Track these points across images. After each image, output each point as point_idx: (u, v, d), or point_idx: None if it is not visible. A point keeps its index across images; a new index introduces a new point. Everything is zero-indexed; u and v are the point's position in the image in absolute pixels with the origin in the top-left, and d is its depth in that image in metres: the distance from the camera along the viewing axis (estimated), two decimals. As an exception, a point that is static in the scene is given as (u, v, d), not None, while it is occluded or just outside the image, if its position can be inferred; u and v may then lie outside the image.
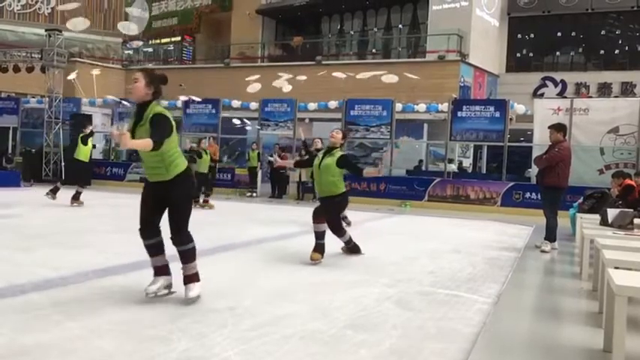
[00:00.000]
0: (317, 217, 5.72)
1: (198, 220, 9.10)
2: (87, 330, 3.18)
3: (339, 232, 5.94)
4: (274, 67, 21.11)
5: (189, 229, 3.96)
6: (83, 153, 10.88)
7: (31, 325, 3.23)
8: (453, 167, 17.11)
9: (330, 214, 5.81)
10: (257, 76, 11.98)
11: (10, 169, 16.57)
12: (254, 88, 12.85)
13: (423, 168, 17.84)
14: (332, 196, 5.77)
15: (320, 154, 6.02)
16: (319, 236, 5.69)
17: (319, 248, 5.65)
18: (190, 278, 3.92)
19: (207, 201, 11.65)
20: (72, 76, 13.28)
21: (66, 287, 4.15)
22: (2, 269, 4.70)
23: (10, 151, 19.26)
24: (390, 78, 12.92)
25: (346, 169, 5.81)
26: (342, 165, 5.75)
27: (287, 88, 13.61)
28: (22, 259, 5.17)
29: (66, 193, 10.66)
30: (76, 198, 10.53)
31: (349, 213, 8.92)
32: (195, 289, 3.89)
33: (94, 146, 11.36)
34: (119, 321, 3.37)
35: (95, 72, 13.31)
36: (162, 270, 3.94)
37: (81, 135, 11.06)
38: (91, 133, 11.17)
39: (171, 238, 3.86)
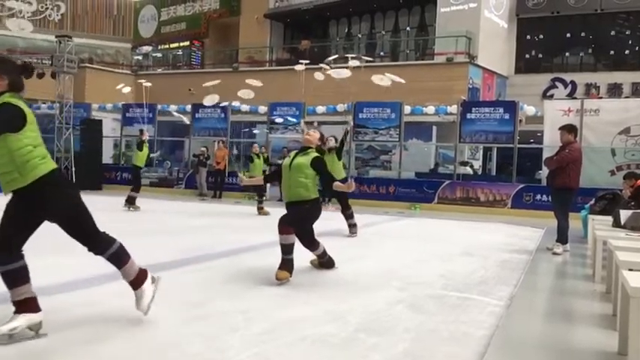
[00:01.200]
0: (283, 227, 4.79)
1: (208, 225, 9.18)
2: (100, 334, 3.20)
3: (311, 245, 5.18)
4: (282, 71, 21.15)
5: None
6: (139, 159, 11.25)
7: (44, 328, 3.24)
8: (468, 170, 17.06)
9: (300, 225, 4.96)
10: (217, 81, 11.38)
11: (21, 174, 16.69)
12: (212, 99, 12.34)
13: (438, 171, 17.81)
14: (301, 201, 4.96)
15: (291, 154, 5.29)
16: (286, 250, 4.76)
17: (287, 265, 4.75)
18: (136, 282, 3.40)
19: (262, 208, 11.34)
20: (125, 89, 13.75)
21: (79, 291, 4.18)
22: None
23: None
24: (380, 80, 12.79)
25: (318, 174, 4.99)
26: (316, 166, 4.95)
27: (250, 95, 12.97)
28: (34, 264, 5.18)
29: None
30: (131, 202, 10.72)
31: (357, 217, 8.88)
32: (146, 294, 3.40)
33: (149, 154, 11.75)
34: (132, 325, 3.39)
35: (125, 90, 13.61)
36: (25, 305, 3.06)
37: (137, 141, 11.53)
38: (141, 142, 11.54)
39: (90, 251, 3.35)
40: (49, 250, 6.01)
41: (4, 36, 28.21)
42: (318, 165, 4.99)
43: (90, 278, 4.60)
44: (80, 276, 4.67)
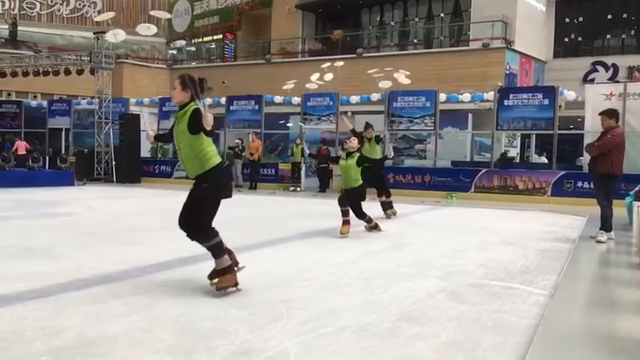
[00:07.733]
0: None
1: (247, 216, 9.29)
2: (150, 322, 3.29)
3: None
4: (315, 62, 21.12)
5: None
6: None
7: (97, 317, 3.36)
8: (543, 159, 16.83)
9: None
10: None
11: (64, 168, 17.22)
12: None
13: (468, 159, 17.53)
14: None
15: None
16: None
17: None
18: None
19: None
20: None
21: (126, 281, 4.30)
22: (65, 264, 4.91)
23: (63, 151, 20.03)
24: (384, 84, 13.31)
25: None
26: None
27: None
28: (82, 255, 5.38)
29: (116, 192, 10.98)
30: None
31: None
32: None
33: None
34: (179, 314, 3.47)
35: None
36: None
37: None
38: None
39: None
40: (98, 243, 6.22)
41: (44, 34, 29.06)
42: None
43: (135, 268, 4.73)
44: (126, 266, 4.81)
